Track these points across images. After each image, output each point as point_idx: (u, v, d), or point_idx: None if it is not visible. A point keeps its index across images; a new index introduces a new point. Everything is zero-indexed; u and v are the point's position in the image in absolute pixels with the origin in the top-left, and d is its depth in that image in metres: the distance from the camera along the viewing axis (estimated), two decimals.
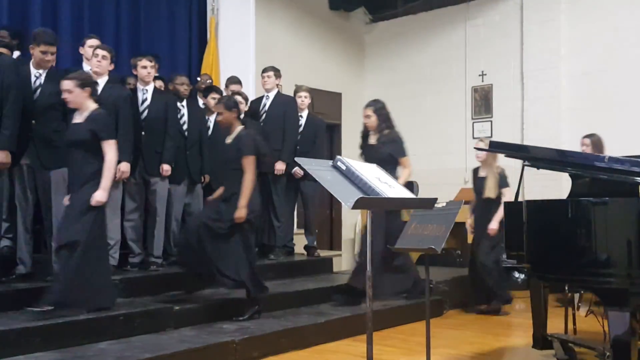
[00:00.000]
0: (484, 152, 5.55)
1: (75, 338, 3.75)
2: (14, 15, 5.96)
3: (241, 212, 4.38)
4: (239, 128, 4.62)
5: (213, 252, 4.41)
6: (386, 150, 5.12)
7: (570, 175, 4.02)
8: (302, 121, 6.33)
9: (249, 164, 4.46)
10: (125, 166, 4.82)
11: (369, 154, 5.22)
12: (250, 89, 7.00)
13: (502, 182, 5.63)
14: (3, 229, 4.54)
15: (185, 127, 5.51)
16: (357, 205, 2.46)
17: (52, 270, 4.48)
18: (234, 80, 6.26)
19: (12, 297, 4.07)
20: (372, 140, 5.26)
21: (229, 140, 4.61)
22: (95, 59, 4.83)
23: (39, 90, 4.43)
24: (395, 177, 4.79)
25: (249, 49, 7.47)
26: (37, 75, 4.45)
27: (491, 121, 8.15)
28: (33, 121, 4.37)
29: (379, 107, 5.22)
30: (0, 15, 5.91)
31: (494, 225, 5.50)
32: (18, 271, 4.46)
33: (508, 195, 5.52)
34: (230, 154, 4.56)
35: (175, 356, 3.66)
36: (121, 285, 4.65)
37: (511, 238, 3.83)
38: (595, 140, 5.76)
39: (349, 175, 2.63)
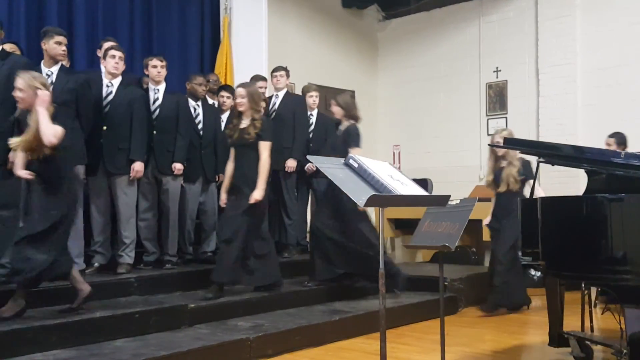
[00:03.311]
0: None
1: (91, 336, 3.79)
2: (30, 19, 6.03)
3: None
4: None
5: None
6: None
7: (586, 172, 3.99)
8: (313, 120, 6.34)
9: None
10: (139, 165, 4.87)
11: None
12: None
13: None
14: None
15: (200, 126, 5.54)
16: (369, 203, 2.46)
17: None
18: (259, 78, 6.30)
19: (29, 295, 4.10)
20: None
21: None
22: (113, 61, 4.87)
23: (51, 88, 4.47)
24: None
25: (262, 47, 7.49)
26: (49, 74, 4.50)
27: (506, 118, 8.10)
28: None
29: None
30: (18, 19, 5.97)
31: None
32: None
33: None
34: None
35: (190, 353, 3.68)
36: (136, 283, 4.70)
37: (526, 235, 3.81)
38: (619, 139, 5.71)
39: (361, 173, 2.63)
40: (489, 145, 5.41)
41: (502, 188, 5.45)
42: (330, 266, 5.25)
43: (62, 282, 4.43)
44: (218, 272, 4.69)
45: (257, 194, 4.66)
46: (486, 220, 5.75)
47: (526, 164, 5.46)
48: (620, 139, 5.75)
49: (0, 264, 4.16)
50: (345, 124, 5.30)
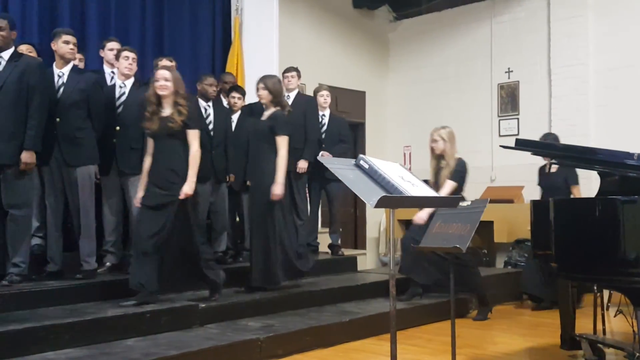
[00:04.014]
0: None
1: (102, 335, 3.81)
2: (42, 20, 6.07)
3: None
4: None
5: None
6: None
7: (598, 173, 3.96)
8: (325, 120, 6.34)
9: None
10: None
11: None
12: None
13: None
14: (34, 228, 4.64)
15: (210, 126, 5.56)
16: (380, 203, 2.45)
17: (81, 268, 4.58)
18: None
19: (42, 295, 4.15)
20: None
21: None
22: (126, 62, 4.88)
23: (62, 89, 4.51)
24: None
25: (273, 48, 7.50)
26: (60, 75, 4.54)
27: (518, 118, 8.06)
28: (57, 119, 4.46)
29: None
30: (30, 21, 6.02)
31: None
32: (49, 269, 4.55)
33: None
34: None
35: (200, 353, 3.69)
36: None
37: (538, 237, 3.79)
38: (553, 140, 5.63)
39: (372, 174, 2.62)
40: (503, 147, 5.35)
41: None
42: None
43: (72, 281, 4.49)
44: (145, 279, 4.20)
45: (188, 188, 4.21)
46: (418, 218, 5.19)
47: (461, 165, 5.15)
48: (553, 140, 5.66)
49: (13, 263, 4.22)
50: (271, 109, 4.97)
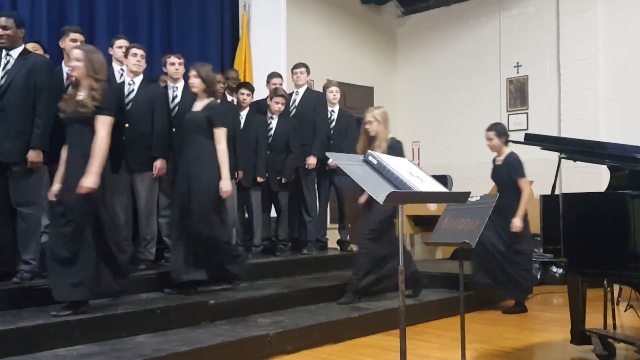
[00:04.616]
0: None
1: (113, 331, 3.84)
2: (52, 17, 6.10)
3: None
4: None
5: None
6: None
7: (609, 168, 3.94)
8: (334, 116, 6.34)
9: None
10: (161, 163, 4.90)
11: None
12: (283, 84, 7.05)
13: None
14: (43, 225, 4.66)
15: None
16: (389, 199, 2.45)
17: None
18: (274, 75, 6.31)
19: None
20: None
21: None
22: (135, 59, 4.90)
23: (70, 87, 4.52)
24: None
25: (280, 44, 7.50)
26: (69, 72, 4.56)
27: (527, 113, 8.03)
28: None
29: None
30: (40, 18, 6.04)
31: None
32: None
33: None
34: None
35: (210, 349, 3.71)
36: (157, 279, 4.74)
37: (548, 232, 3.78)
38: (499, 131, 5.55)
39: (380, 170, 2.62)
40: (512, 141, 5.32)
41: None
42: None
43: None
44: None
45: (89, 181, 3.71)
46: (362, 198, 5.05)
47: (397, 143, 4.95)
48: (500, 130, 5.56)
49: (23, 260, 4.25)
50: (205, 100, 4.64)
